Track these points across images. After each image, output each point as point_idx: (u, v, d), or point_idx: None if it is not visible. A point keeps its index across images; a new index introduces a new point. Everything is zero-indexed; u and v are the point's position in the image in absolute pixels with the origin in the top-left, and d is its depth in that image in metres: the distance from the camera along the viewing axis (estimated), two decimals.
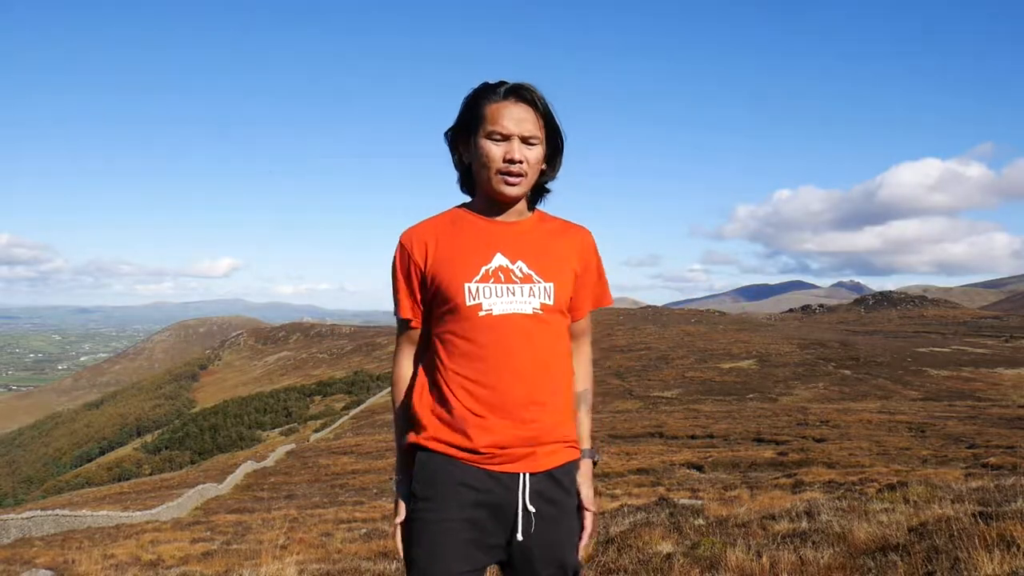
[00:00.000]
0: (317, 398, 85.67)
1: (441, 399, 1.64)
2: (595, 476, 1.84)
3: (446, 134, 1.72)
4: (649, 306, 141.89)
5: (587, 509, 1.71)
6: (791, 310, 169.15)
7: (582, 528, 1.71)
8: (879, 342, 73.26)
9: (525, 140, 1.62)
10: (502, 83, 1.65)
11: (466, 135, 1.68)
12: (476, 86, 1.68)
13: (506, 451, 1.60)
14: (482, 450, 1.59)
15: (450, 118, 1.72)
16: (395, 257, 1.70)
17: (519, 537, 1.60)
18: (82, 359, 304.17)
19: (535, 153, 1.64)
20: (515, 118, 1.61)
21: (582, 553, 1.73)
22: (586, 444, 1.76)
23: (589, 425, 1.79)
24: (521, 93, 1.63)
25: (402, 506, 1.68)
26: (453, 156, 1.73)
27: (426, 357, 1.71)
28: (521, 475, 1.61)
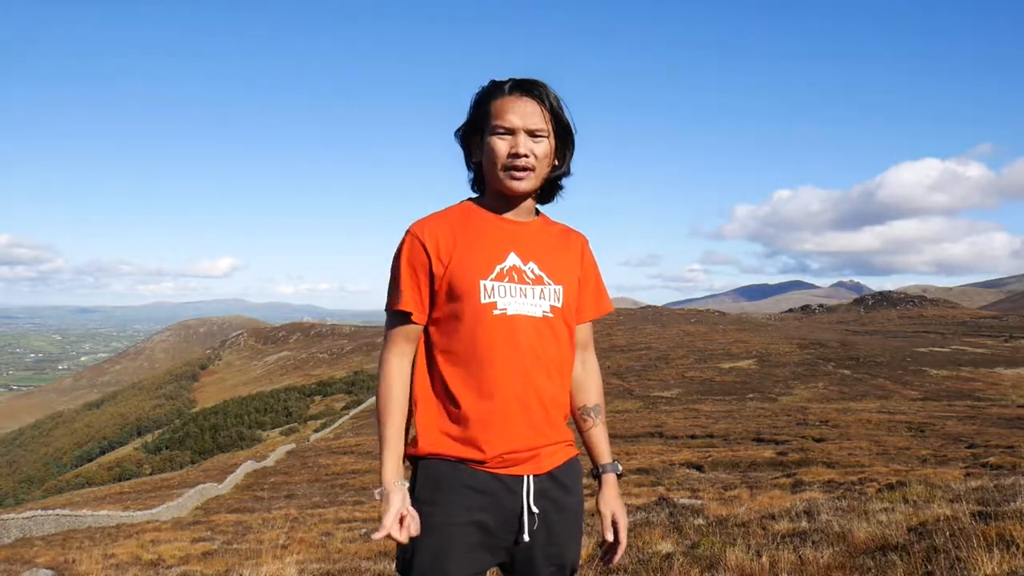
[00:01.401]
0: (317, 398, 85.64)
1: (447, 411, 1.61)
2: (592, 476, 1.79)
3: (456, 133, 1.70)
4: (649, 306, 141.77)
5: (619, 523, 1.69)
6: (791, 310, 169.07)
7: (617, 543, 1.69)
8: (879, 342, 73.24)
9: (531, 134, 1.60)
10: (510, 79, 1.64)
11: (476, 134, 1.66)
12: (484, 85, 1.66)
13: (512, 455, 1.59)
14: (491, 460, 1.58)
15: (454, 116, 1.70)
16: (402, 247, 1.63)
17: (525, 538, 1.59)
18: (82, 359, 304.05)
19: (542, 147, 1.61)
20: (520, 112, 1.59)
21: (618, 557, 1.71)
22: (607, 459, 1.74)
23: (606, 438, 1.76)
24: (526, 87, 1.62)
25: (390, 511, 1.50)
26: (465, 156, 1.70)
27: (427, 363, 1.65)
28: (525, 477, 1.60)
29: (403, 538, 1.51)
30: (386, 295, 1.65)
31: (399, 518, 1.51)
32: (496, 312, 1.58)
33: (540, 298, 1.62)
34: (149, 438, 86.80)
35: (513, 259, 1.63)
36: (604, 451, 1.74)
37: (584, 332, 1.76)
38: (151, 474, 59.66)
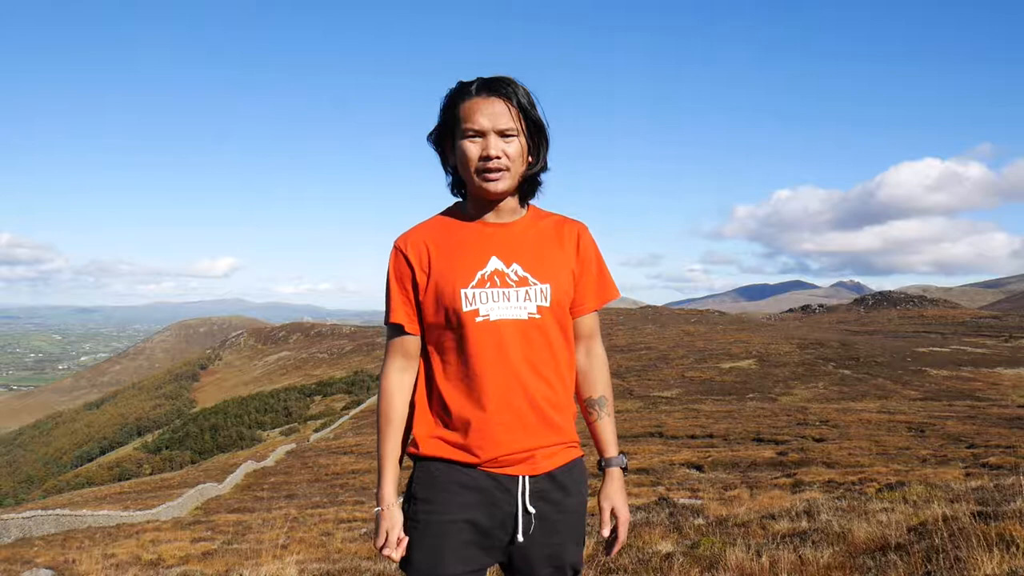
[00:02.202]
0: (317, 398, 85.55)
1: (440, 415, 1.62)
2: (594, 477, 1.78)
3: (429, 138, 1.68)
4: (649, 306, 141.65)
5: (619, 518, 1.68)
6: (791, 310, 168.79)
7: (616, 539, 1.68)
8: (879, 342, 73.20)
9: (502, 134, 1.57)
10: (476, 80, 1.61)
11: (448, 138, 1.64)
12: (452, 87, 1.63)
13: (506, 457, 1.59)
14: (485, 463, 1.59)
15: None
16: (390, 262, 1.66)
17: (520, 539, 1.59)
18: (82, 359, 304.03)
19: (514, 146, 1.58)
20: (488, 113, 1.56)
21: (613, 552, 1.70)
22: (611, 452, 1.72)
23: (613, 431, 1.73)
24: (493, 87, 1.59)
25: (393, 530, 1.60)
26: (441, 160, 1.69)
27: (425, 371, 1.67)
28: (520, 478, 1.60)
29: (397, 557, 1.59)
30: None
31: (397, 539, 1.59)
32: (479, 319, 1.58)
33: (525, 300, 1.60)
34: (149, 438, 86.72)
35: (495, 263, 1.62)
36: (609, 444, 1.72)
37: (588, 323, 1.73)
38: (151, 474, 59.57)
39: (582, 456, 1.72)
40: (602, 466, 1.73)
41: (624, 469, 1.72)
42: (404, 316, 1.64)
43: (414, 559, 1.59)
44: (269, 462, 37.88)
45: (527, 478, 1.60)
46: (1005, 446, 19.98)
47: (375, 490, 1.65)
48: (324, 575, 5.48)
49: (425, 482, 1.62)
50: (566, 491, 1.64)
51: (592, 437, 1.76)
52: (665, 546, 4.53)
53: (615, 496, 1.68)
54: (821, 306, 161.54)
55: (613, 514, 1.68)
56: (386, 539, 1.59)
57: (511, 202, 1.67)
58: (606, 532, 1.67)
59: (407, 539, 1.61)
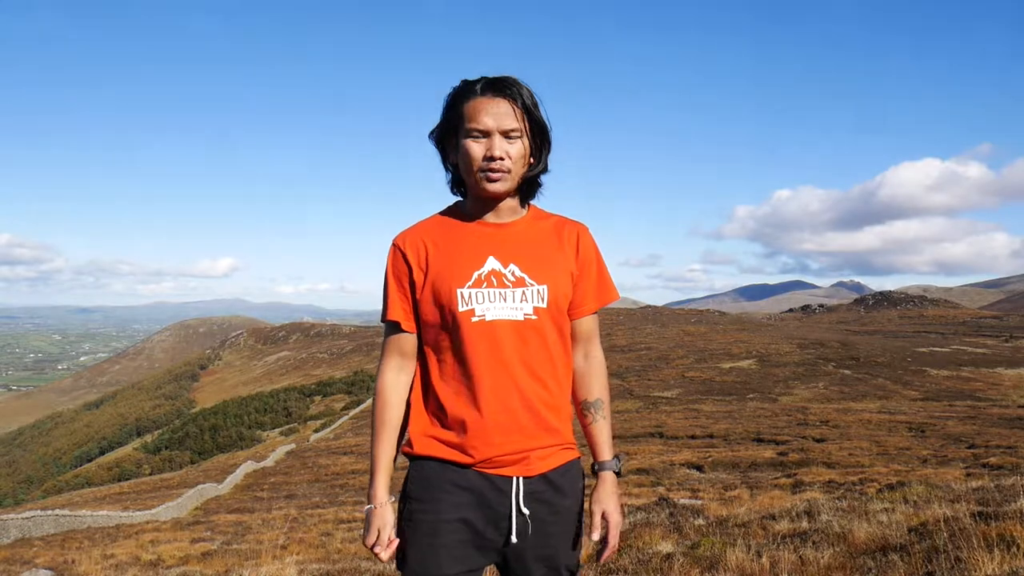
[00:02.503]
0: (317, 398, 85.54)
1: (436, 415, 1.62)
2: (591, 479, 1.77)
3: (430, 135, 1.67)
4: (649, 306, 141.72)
5: (609, 522, 1.65)
6: (791, 310, 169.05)
7: (605, 544, 1.66)
8: (879, 342, 73.20)
9: (505, 134, 1.57)
10: (481, 79, 1.60)
11: (451, 136, 1.63)
12: (456, 85, 1.63)
13: (500, 457, 1.59)
14: (478, 463, 1.59)
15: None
16: (388, 260, 1.66)
17: (514, 540, 1.59)
18: (82, 359, 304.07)
19: (517, 147, 1.58)
20: (493, 113, 1.56)
21: (605, 556, 1.67)
22: (605, 455, 1.70)
23: (608, 434, 1.71)
24: (498, 87, 1.58)
25: (384, 529, 1.61)
26: (442, 157, 1.68)
27: (421, 371, 1.67)
28: (514, 479, 1.59)
29: (386, 557, 1.60)
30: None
31: (388, 540, 1.59)
32: (474, 320, 1.57)
33: (522, 300, 1.59)
34: (149, 438, 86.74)
35: (492, 263, 1.61)
36: (603, 447, 1.71)
37: (587, 324, 1.72)
38: (150, 474, 59.57)
39: (578, 458, 1.71)
40: (595, 469, 1.72)
41: (618, 473, 1.70)
42: (401, 313, 1.64)
43: (409, 558, 1.59)
44: (269, 462, 37.87)
45: (521, 479, 1.60)
46: (1005, 446, 19.99)
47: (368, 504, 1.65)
48: (324, 575, 5.48)
49: (419, 481, 1.62)
50: (561, 493, 1.63)
51: (587, 440, 1.75)
52: (665, 546, 4.53)
53: (607, 500, 1.66)
54: (821, 306, 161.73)
55: (604, 518, 1.66)
56: (377, 537, 1.60)
57: (511, 202, 1.66)
58: (595, 536, 1.66)
59: (397, 540, 1.61)
